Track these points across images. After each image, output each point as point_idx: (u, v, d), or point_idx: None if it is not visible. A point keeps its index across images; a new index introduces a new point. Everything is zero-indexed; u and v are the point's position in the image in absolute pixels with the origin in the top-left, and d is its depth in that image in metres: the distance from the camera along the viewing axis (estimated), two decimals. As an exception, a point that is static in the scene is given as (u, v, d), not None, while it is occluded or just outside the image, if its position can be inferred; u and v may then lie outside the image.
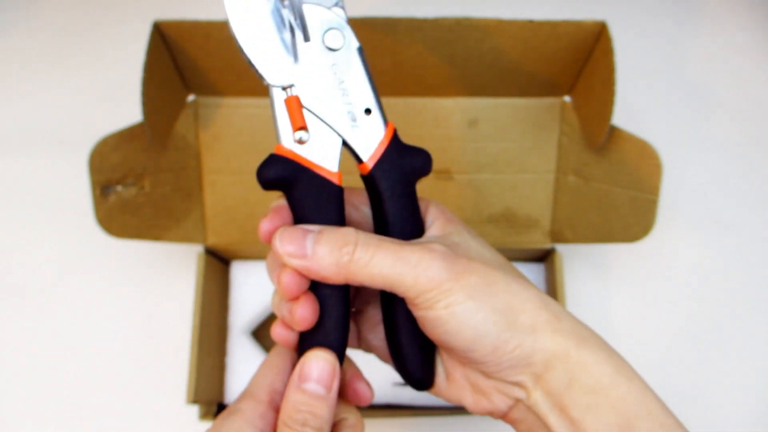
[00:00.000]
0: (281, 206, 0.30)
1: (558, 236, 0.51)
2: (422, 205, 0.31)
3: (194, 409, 0.51)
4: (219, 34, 0.43)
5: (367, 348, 0.34)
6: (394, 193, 0.29)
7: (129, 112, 0.45)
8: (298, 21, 0.29)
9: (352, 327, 0.34)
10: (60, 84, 0.62)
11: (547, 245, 0.51)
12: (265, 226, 0.30)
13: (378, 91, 0.30)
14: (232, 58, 0.45)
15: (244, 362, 0.53)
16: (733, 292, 0.56)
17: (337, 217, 0.29)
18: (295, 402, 0.27)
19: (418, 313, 0.27)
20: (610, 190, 0.46)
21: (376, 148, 0.29)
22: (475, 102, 0.49)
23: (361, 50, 0.30)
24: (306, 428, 0.26)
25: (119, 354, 0.54)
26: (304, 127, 0.29)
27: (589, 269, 0.57)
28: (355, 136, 0.29)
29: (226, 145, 0.49)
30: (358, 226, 0.32)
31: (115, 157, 0.43)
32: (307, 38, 0.29)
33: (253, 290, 0.55)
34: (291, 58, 0.29)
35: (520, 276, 0.28)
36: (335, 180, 0.29)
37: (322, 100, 0.29)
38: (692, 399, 0.53)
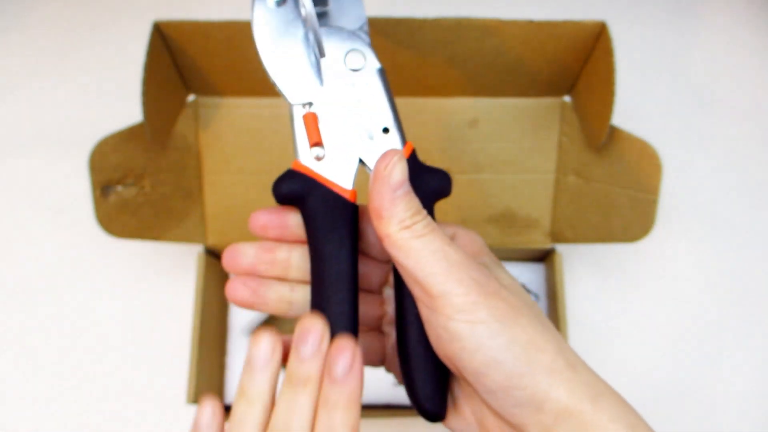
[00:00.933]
0: (289, 209, 0.30)
1: (558, 236, 0.51)
2: (449, 230, 0.30)
3: (194, 409, 0.51)
4: (219, 34, 0.43)
5: (389, 368, 0.33)
6: None
7: (129, 112, 0.45)
8: (320, 41, 0.29)
9: (378, 346, 0.33)
10: (60, 84, 0.62)
11: (547, 245, 0.51)
12: (261, 217, 0.30)
13: (398, 112, 0.30)
14: (232, 58, 0.45)
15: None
16: (733, 292, 0.56)
17: (349, 234, 0.29)
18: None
19: (438, 320, 0.26)
20: (610, 190, 0.46)
21: None
22: (475, 102, 0.49)
23: (382, 71, 0.30)
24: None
25: (119, 354, 0.54)
26: (319, 143, 0.29)
27: (589, 269, 0.57)
28: (372, 155, 0.30)
29: (226, 145, 0.49)
30: (380, 255, 0.32)
31: (115, 157, 0.43)
32: (328, 58, 0.30)
33: (253, 290, 0.55)
34: (312, 77, 0.30)
35: (544, 317, 0.28)
36: (349, 197, 0.29)
37: (341, 118, 0.30)
38: (692, 399, 0.53)
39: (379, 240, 0.27)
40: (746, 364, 0.54)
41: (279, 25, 0.30)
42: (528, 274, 0.55)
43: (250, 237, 0.50)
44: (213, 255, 0.52)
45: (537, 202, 0.51)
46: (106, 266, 0.56)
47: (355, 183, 0.29)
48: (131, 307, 0.55)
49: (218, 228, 0.50)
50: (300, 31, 0.30)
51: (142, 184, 0.45)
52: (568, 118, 0.49)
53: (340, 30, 0.30)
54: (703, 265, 0.57)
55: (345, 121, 0.30)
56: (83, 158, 0.41)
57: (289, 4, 0.30)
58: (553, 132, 0.50)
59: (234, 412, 0.25)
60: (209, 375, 0.49)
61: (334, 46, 0.30)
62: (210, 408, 0.26)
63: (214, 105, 0.49)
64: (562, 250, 0.52)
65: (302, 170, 0.29)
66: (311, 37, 0.29)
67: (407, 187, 0.27)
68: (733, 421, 0.52)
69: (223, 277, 0.54)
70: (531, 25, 0.43)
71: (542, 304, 0.54)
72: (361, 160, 0.30)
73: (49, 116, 0.61)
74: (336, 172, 0.29)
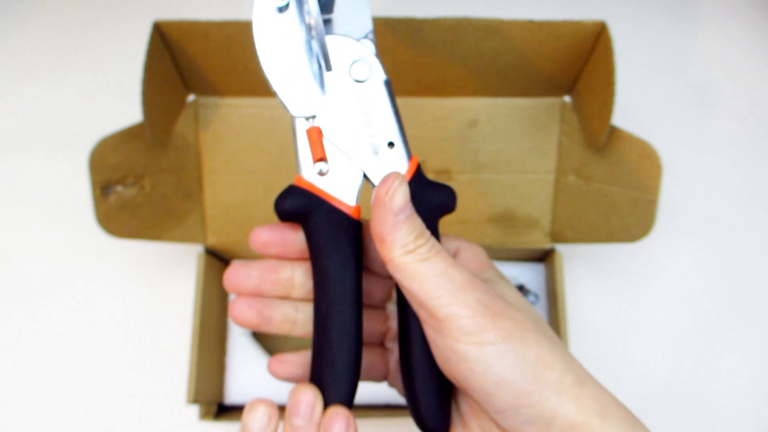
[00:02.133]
0: (289, 225, 0.30)
1: (558, 236, 0.51)
2: (452, 244, 0.30)
3: (194, 409, 0.51)
4: (219, 34, 0.43)
5: (392, 383, 0.33)
6: None
7: (129, 112, 0.45)
8: (326, 52, 0.29)
9: (381, 361, 0.33)
10: (60, 84, 0.62)
11: (547, 245, 0.51)
12: (262, 234, 0.30)
13: (403, 125, 0.30)
14: (232, 58, 0.45)
15: (244, 362, 0.53)
16: (733, 292, 0.56)
17: (353, 253, 0.28)
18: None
19: (445, 342, 0.25)
20: (610, 190, 0.46)
21: None
22: (475, 102, 0.49)
23: (387, 83, 0.29)
24: None
25: (119, 354, 0.54)
26: (323, 159, 0.28)
27: (589, 269, 0.57)
28: (376, 169, 0.29)
29: (226, 145, 0.49)
30: (377, 262, 0.32)
31: (115, 157, 0.43)
32: (333, 69, 0.29)
33: (253, 290, 0.55)
34: (316, 89, 0.29)
35: (551, 332, 0.28)
36: (353, 214, 0.29)
37: (345, 132, 0.29)
38: (692, 399, 0.53)
39: (382, 262, 0.27)
40: (746, 364, 0.54)
41: (281, 32, 0.29)
42: (528, 274, 0.55)
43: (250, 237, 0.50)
44: (213, 255, 0.52)
45: (537, 202, 0.51)
46: (106, 266, 0.56)
47: (358, 199, 0.29)
48: (131, 307, 0.55)
49: (218, 228, 0.50)
50: (303, 39, 0.29)
51: (142, 184, 0.45)
52: (568, 118, 0.49)
53: (345, 39, 0.29)
54: (703, 265, 0.57)
55: (349, 135, 0.29)
56: (83, 158, 0.41)
57: (292, 11, 0.29)
58: (553, 132, 0.50)
59: None
60: (209, 375, 0.49)
61: (338, 55, 0.29)
62: (262, 411, 0.26)
63: (214, 105, 0.49)
64: (562, 250, 0.52)
65: (305, 186, 0.28)
66: (315, 46, 0.29)
67: (410, 210, 0.26)
68: (733, 421, 0.52)
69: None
70: (531, 25, 0.43)
71: (542, 304, 0.54)
72: (365, 175, 0.29)
73: (49, 116, 0.61)
74: (340, 187, 0.29)
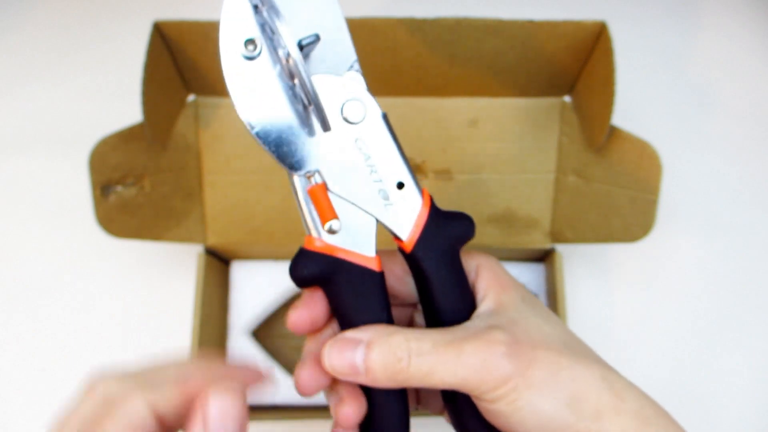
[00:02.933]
0: (313, 296, 0.28)
1: (558, 236, 0.51)
2: (472, 263, 0.28)
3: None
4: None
5: (426, 408, 0.33)
6: (439, 270, 0.27)
7: (129, 112, 0.45)
8: (312, 96, 0.25)
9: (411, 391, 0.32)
10: (60, 84, 0.62)
11: (547, 245, 0.51)
12: (295, 317, 0.28)
13: (407, 158, 0.28)
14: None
15: (244, 362, 0.53)
16: (733, 292, 0.56)
17: (381, 307, 0.27)
18: None
19: (481, 404, 0.26)
20: (610, 190, 0.46)
21: (415, 224, 0.27)
22: (475, 102, 0.49)
23: (385, 117, 0.27)
24: None
25: (119, 354, 0.54)
26: (333, 217, 0.26)
27: (589, 269, 0.57)
28: (390, 215, 0.27)
29: (226, 145, 0.49)
30: (404, 300, 0.30)
31: (115, 157, 0.42)
32: (324, 114, 0.26)
33: (253, 290, 0.55)
34: (310, 139, 0.26)
35: (582, 349, 0.27)
36: (374, 267, 0.27)
37: (350, 182, 0.26)
38: (692, 399, 0.53)
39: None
40: (746, 364, 0.54)
41: (257, 82, 0.25)
42: (528, 274, 0.55)
43: (250, 237, 0.50)
44: (213, 255, 0.52)
45: (537, 202, 0.51)
46: (106, 266, 0.56)
47: (376, 248, 0.27)
48: (131, 307, 0.55)
49: (218, 228, 0.50)
50: (282, 87, 0.26)
51: (142, 184, 0.45)
52: (568, 118, 0.49)
53: (328, 77, 0.26)
54: (703, 265, 0.57)
55: (355, 185, 0.26)
56: (83, 158, 0.41)
57: (264, 57, 0.25)
58: (553, 132, 0.50)
59: None
60: (209, 375, 0.49)
61: (327, 98, 0.26)
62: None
63: (214, 105, 0.49)
64: (562, 250, 0.52)
65: (318, 249, 0.26)
66: (300, 93, 0.25)
67: (374, 348, 0.25)
68: (733, 421, 0.52)
69: (224, 277, 0.54)
70: (531, 25, 0.43)
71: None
72: (378, 220, 0.27)
73: (49, 116, 0.61)
74: (355, 241, 0.26)
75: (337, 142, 0.26)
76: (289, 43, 0.24)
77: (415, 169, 0.49)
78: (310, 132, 0.26)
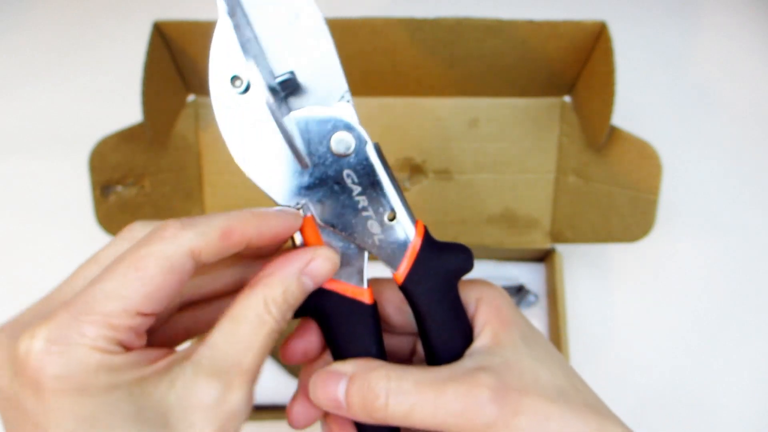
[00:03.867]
0: (306, 326, 0.28)
1: (558, 236, 0.51)
2: (472, 295, 0.27)
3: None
4: (219, 34, 0.43)
5: None
6: (431, 304, 0.26)
7: (129, 112, 0.45)
8: (302, 128, 0.25)
9: None
10: (60, 84, 0.62)
11: (547, 245, 0.51)
12: (287, 347, 0.27)
13: (401, 189, 0.27)
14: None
15: (244, 362, 0.53)
16: (732, 292, 0.56)
17: (371, 339, 0.26)
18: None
19: None
20: (610, 190, 0.46)
21: (407, 256, 0.26)
22: (475, 102, 0.49)
23: (377, 148, 0.26)
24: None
25: (119, 354, 0.54)
26: None
27: (589, 269, 0.57)
28: (381, 247, 0.26)
29: (226, 146, 0.49)
30: (404, 329, 0.29)
31: (115, 157, 0.43)
32: (312, 146, 0.26)
33: (253, 290, 0.54)
34: (298, 171, 0.26)
35: (581, 398, 0.25)
36: (365, 299, 0.26)
37: (339, 214, 0.26)
38: (692, 399, 0.53)
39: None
40: (746, 364, 0.54)
41: (245, 114, 0.25)
42: (528, 274, 0.55)
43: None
44: (213, 255, 0.52)
45: (537, 202, 0.51)
46: (106, 266, 0.56)
47: (367, 279, 0.27)
48: (131, 307, 0.55)
49: (218, 228, 0.50)
50: (266, 116, 0.25)
51: (142, 184, 0.45)
52: (568, 118, 0.49)
53: (317, 109, 0.26)
54: (703, 265, 0.57)
55: (345, 216, 0.26)
56: (83, 158, 0.41)
57: (254, 90, 0.25)
58: (553, 132, 0.50)
59: None
60: (209, 375, 0.49)
61: (314, 130, 0.26)
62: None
63: (214, 105, 0.49)
64: (562, 250, 0.52)
65: None
66: (291, 125, 0.26)
67: (355, 388, 0.24)
68: (733, 421, 0.52)
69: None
70: (531, 25, 0.43)
71: (542, 304, 0.54)
72: (369, 252, 0.27)
73: (48, 116, 0.61)
74: (346, 273, 0.26)
75: (327, 175, 0.26)
76: (258, 84, 0.24)
77: (415, 169, 0.49)
78: (301, 165, 0.26)
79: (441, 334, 0.26)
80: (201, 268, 0.23)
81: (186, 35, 0.43)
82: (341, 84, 0.26)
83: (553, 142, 0.50)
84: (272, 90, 0.25)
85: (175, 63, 0.46)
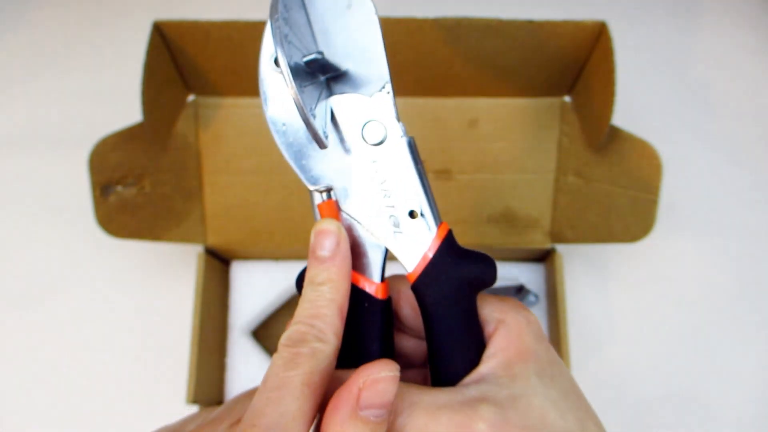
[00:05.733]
0: None
1: (558, 236, 0.51)
2: (493, 315, 0.25)
3: (194, 409, 0.51)
4: (219, 34, 0.43)
5: None
6: (440, 309, 0.25)
7: (129, 112, 0.45)
8: (338, 113, 0.26)
9: None
10: (60, 84, 0.62)
11: (547, 245, 0.51)
12: None
13: (430, 189, 0.26)
14: (232, 58, 0.45)
15: (244, 362, 0.53)
16: (732, 292, 0.56)
17: (377, 335, 0.26)
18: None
19: None
20: (610, 190, 0.46)
21: (421, 258, 0.25)
22: (475, 102, 0.49)
23: (411, 143, 0.26)
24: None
25: (119, 354, 0.54)
26: None
27: (589, 269, 0.57)
28: (398, 244, 0.26)
29: (226, 145, 0.49)
30: (417, 331, 0.28)
31: (115, 157, 0.43)
32: (347, 132, 0.26)
33: (253, 290, 0.55)
34: (329, 155, 0.26)
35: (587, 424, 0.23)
36: (377, 293, 0.26)
37: (361, 204, 0.26)
38: (692, 399, 0.53)
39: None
40: (746, 364, 0.54)
41: (284, 95, 0.26)
42: (528, 274, 0.55)
43: (250, 237, 0.50)
44: (213, 255, 0.52)
45: (537, 202, 0.51)
46: (106, 266, 0.56)
47: (383, 274, 0.26)
48: (131, 307, 0.55)
49: (218, 228, 0.50)
50: (309, 100, 0.25)
51: (142, 184, 0.45)
52: (568, 118, 0.49)
53: (354, 96, 0.26)
54: (703, 265, 0.57)
55: (367, 206, 0.26)
56: (83, 158, 0.41)
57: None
58: (553, 132, 0.50)
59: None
60: (209, 375, 0.49)
61: (348, 117, 0.26)
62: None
63: (214, 105, 0.49)
64: (562, 250, 0.52)
65: None
66: (328, 110, 0.26)
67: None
68: (732, 421, 0.52)
69: (224, 277, 0.54)
70: (531, 25, 0.43)
71: (542, 304, 0.54)
72: (388, 249, 0.26)
73: (49, 116, 0.61)
74: (362, 263, 0.26)
75: (354, 162, 0.26)
76: (282, 63, 0.24)
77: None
78: (335, 150, 0.26)
79: (445, 345, 0.25)
80: None
81: (186, 35, 0.43)
82: (384, 75, 0.26)
83: (553, 142, 0.50)
84: (305, 71, 0.25)
85: (175, 63, 0.46)
